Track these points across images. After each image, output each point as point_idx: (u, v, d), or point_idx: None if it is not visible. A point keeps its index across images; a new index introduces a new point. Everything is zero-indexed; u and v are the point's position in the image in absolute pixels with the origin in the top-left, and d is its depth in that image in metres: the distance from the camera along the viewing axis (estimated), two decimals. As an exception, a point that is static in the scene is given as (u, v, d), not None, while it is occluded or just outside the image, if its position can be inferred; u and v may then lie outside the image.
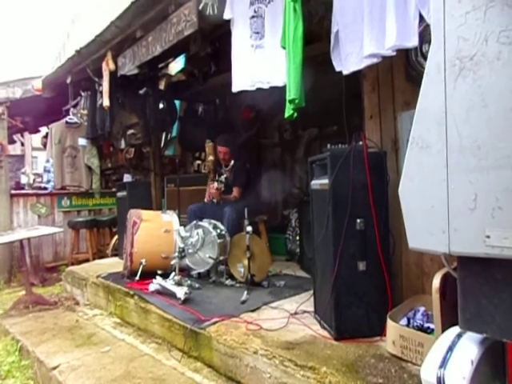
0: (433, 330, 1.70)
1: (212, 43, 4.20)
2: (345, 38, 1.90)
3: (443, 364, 0.94)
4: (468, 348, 0.97)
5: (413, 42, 1.65)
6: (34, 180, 7.34)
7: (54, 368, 2.39)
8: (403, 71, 2.18)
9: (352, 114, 2.48)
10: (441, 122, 0.90)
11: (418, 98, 0.96)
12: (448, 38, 0.90)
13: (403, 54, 2.10)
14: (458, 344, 0.99)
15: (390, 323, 1.80)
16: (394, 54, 1.75)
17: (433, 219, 0.92)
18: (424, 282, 2.13)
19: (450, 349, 0.98)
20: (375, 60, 1.82)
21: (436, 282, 1.58)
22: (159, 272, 3.19)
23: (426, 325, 1.81)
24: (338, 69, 2.01)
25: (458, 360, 0.94)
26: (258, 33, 2.29)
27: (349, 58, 1.89)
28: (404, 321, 1.91)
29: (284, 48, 2.02)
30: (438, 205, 0.91)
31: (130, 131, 6.65)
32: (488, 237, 0.84)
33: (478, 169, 0.85)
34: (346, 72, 1.96)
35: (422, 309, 1.96)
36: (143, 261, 3.29)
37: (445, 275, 1.56)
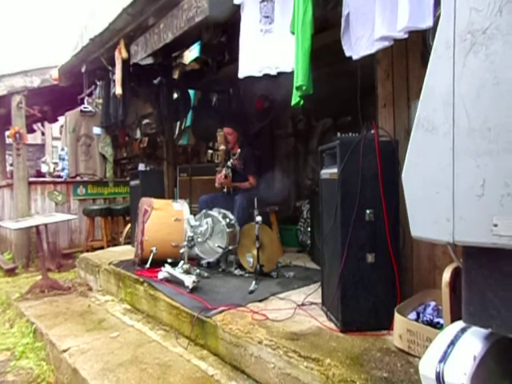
0: (442, 325, 1.64)
1: (226, 32, 4.15)
2: (355, 20, 1.82)
3: (443, 358, 0.90)
4: (471, 343, 0.91)
5: (427, 23, 1.55)
6: (54, 169, 7.52)
7: (65, 351, 2.44)
8: (419, 57, 2.09)
9: (367, 103, 2.41)
10: (448, 101, 0.84)
11: (425, 76, 0.90)
12: (459, 10, 0.83)
13: (419, 38, 2.01)
14: (461, 339, 0.93)
15: (397, 317, 1.75)
16: (407, 36, 1.66)
17: (437, 206, 0.86)
18: (436, 276, 2.06)
19: (452, 343, 0.93)
20: (386, 43, 1.74)
21: (446, 275, 1.52)
22: (169, 260, 3.21)
23: (436, 320, 1.76)
24: (347, 54, 1.94)
25: (460, 355, 0.89)
26: (267, 17, 2.23)
27: (359, 42, 1.81)
28: (413, 315, 1.86)
29: (293, 33, 1.95)
30: (443, 191, 0.85)
31: (146, 121, 6.70)
32: (496, 225, 0.78)
33: (487, 152, 0.79)
34: (355, 57, 1.88)
35: (432, 303, 1.91)
36: (154, 249, 3.31)
37: (456, 269, 1.50)
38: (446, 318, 1.49)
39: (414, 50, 2.11)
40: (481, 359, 0.87)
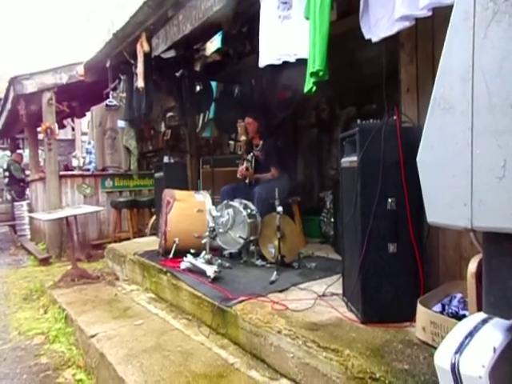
0: (468, 317, 1.58)
1: (247, 21, 4.11)
2: (375, 1, 1.74)
3: (459, 350, 0.85)
4: (492, 334, 0.86)
5: (452, -3, 1.46)
6: (83, 163, 7.78)
7: (93, 336, 2.54)
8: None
9: (392, 91, 2.32)
10: (467, 77, 0.78)
11: (442, 53, 0.84)
12: (479, -23, 0.76)
13: (447, 18, 1.91)
14: (481, 330, 0.88)
15: (420, 308, 1.70)
16: (430, 14, 1.57)
17: (454, 190, 0.81)
18: (462, 267, 1.98)
19: (471, 334, 0.88)
20: (407, 23, 1.65)
21: (472, 265, 1.45)
22: (192, 251, 3.25)
23: (462, 312, 1.69)
24: (367, 36, 1.86)
25: (478, 346, 0.84)
26: (285, 3, 2.17)
27: (379, 24, 1.73)
28: (438, 307, 1.80)
29: (308, 19, 1.89)
30: (461, 173, 0.80)
31: (170, 114, 6.78)
32: (518, 209, 0.73)
33: (509, 130, 0.72)
34: (375, 39, 1.81)
35: (458, 295, 1.83)
36: (176, 239, 3.36)
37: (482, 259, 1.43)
38: (472, 310, 1.42)
39: (441, 30, 2.00)
40: (501, 351, 0.82)
